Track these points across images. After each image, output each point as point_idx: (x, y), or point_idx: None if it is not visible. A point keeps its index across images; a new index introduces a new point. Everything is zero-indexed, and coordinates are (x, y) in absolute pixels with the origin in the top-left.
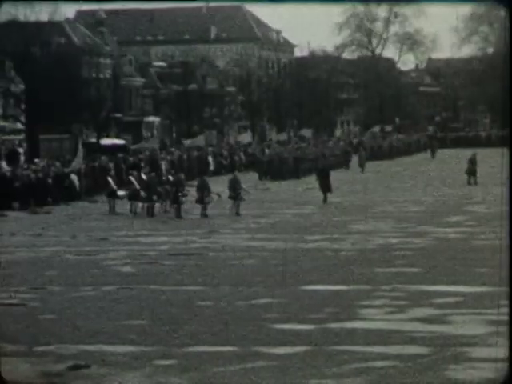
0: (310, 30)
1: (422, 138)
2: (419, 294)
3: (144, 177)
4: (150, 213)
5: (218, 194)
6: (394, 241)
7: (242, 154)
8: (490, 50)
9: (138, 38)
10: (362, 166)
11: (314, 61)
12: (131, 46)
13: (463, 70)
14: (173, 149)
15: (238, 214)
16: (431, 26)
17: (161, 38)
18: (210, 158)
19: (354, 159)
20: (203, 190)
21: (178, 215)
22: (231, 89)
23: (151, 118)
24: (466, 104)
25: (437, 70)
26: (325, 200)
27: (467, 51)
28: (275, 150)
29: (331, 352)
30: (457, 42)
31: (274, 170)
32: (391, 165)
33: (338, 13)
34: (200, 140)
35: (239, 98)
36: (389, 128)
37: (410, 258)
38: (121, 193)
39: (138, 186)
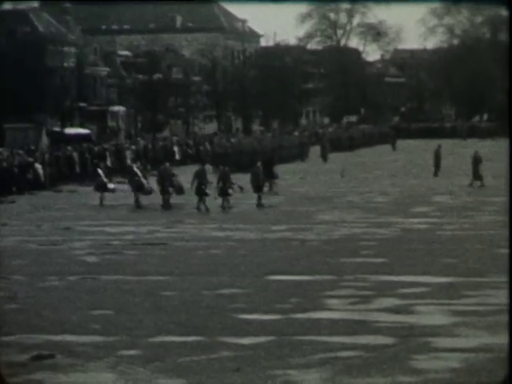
0: (276, 19)
1: (385, 129)
2: (384, 284)
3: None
4: (167, 205)
5: (241, 187)
6: (360, 231)
7: (207, 144)
8: (455, 42)
9: (104, 27)
10: (324, 156)
11: (280, 51)
12: (96, 35)
13: (428, 61)
14: (138, 138)
15: (261, 205)
16: (396, 18)
17: (126, 27)
18: (176, 148)
19: (314, 150)
20: (225, 181)
21: (199, 207)
22: (196, 78)
23: (116, 108)
24: (431, 95)
25: (402, 61)
26: (270, 188)
27: (433, 43)
28: (230, 141)
29: (296, 342)
30: (423, 32)
31: (230, 162)
32: (353, 156)
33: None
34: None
35: (204, 87)
36: (353, 118)
37: (376, 248)
38: (111, 185)
39: (142, 178)
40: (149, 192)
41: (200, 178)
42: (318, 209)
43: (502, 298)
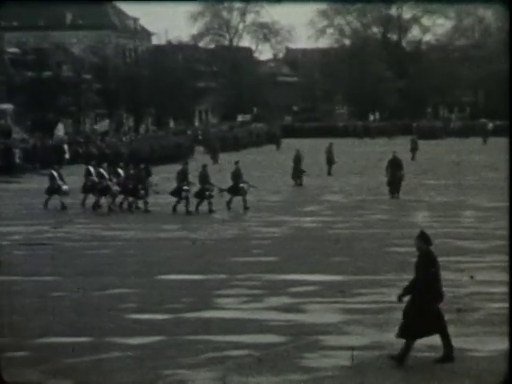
0: (168, 18)
1: (274, 128)
2: (275, 282)
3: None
4: (145, 208)
5: (221, 190)
6: (251, 230)
7: (99, 143)
8: (346, 42)
9: None
10: (214, 157)
11: (172, 49)
12: None
13: (320, 61)
14: (26, 136)
15: (246, 207)
16: (287, 18)
17: (15, 23)
18: (66, 147)
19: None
20: (205, 182)
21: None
22: (87, 76)
23: (4, 106)
24: (324, 94)
25: (294, 60)
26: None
27: (324, 43)
28: (106, 142)
29: (187, 342)
30: (313, 34)
31: (109, 163)
32: (241, 156)
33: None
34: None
35: (96, 85)
36: (247, 117)
37: (267, 247)
38: (65, 187)
39: (108, 181)
40: (116, 195)
41: (182, 179)
42: (210, 208)
43: (392, 296)
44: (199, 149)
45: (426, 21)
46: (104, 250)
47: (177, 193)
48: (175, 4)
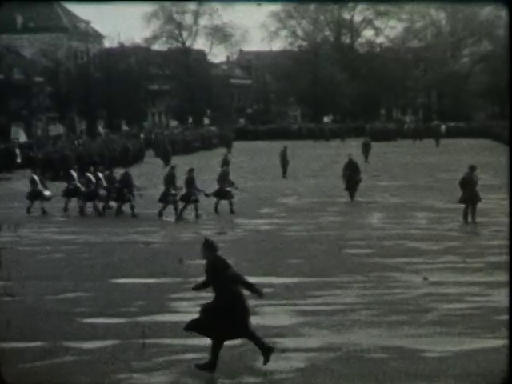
0: (121, 20)
1: (227, 131)
2: None
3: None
4: (133, 213)
5: (206, 194)
6: (206, 233)
7: (49, 147)
8: (300, 44)
9: None
10: (166, 159)
11: (124, 52)
12: None
13: (273, 64)
14: None
15: (232, 211)
16: (240, 20)
17: None
18: (18, 151)
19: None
20: (191, 186)
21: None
22: (39, 79)
23: None
24: (277, 97)
25: (248, 63)
26: None
27: (277, 46)
28: (56, 146)
29: (141, 345)
30: (266, 36)
31: (55, 168)
32: (192, 159)
33: (147, 4)
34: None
35: (48, 89)
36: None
37: (222, 249)
38: (47, 193)
39: (95, 185)
40: (104, 199)
41: (168, 183)
42: (164, 211)
43: (346, 297)
44: (150, 152)
45: (378, 23)
46: (57, 254)
47: (164, 198)
48: (127, 5)
